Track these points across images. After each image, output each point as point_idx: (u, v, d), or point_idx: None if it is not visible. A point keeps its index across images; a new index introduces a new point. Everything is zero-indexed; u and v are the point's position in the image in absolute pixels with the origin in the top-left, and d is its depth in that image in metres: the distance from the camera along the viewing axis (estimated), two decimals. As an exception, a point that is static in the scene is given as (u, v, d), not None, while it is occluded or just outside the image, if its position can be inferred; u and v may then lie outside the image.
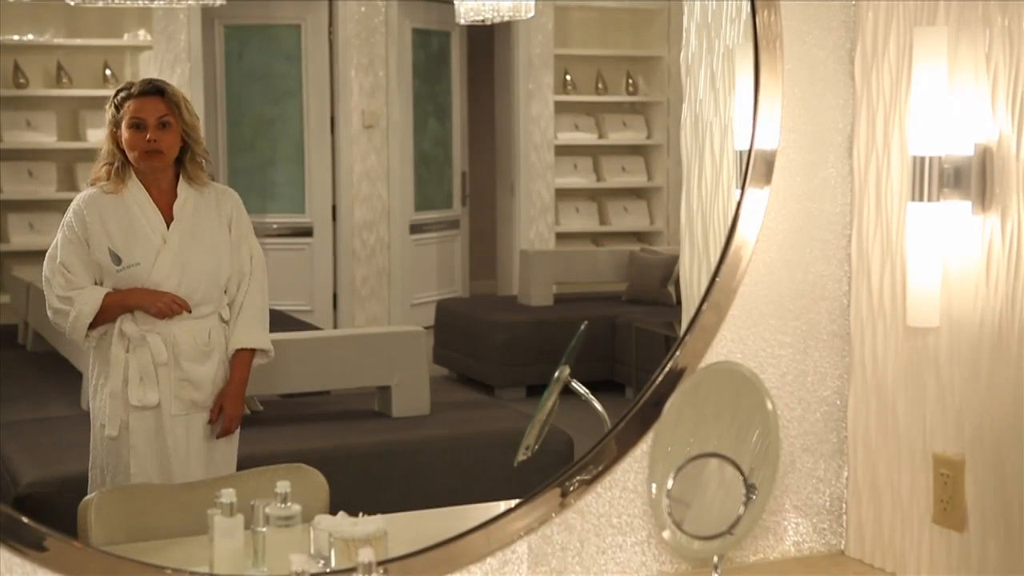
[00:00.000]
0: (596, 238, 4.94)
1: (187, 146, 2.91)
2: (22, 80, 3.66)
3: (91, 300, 2.81)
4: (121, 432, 2.79)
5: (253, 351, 2.89)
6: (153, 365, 2.81)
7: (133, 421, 2.79)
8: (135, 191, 2.87)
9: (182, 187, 2.90)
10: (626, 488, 2.61)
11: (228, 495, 2.27)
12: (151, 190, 2.89)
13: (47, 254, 2.86)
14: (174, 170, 2.90)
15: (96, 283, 2.83)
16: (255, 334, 2.91)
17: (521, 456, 2.70)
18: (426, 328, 4.06)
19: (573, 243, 4.92)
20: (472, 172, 4.79)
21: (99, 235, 2.84)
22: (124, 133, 2.85)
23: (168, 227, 2.87)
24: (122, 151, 2.86)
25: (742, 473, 2.45)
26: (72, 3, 3.59)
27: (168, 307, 2.83)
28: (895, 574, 2.64)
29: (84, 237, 2.83)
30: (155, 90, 2.89)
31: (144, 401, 2.79)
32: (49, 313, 2.81)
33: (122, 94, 2.88)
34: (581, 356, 2.71)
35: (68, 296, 2.82)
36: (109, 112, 2.88)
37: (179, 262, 2.86)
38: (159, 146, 2.86)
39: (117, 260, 2.84)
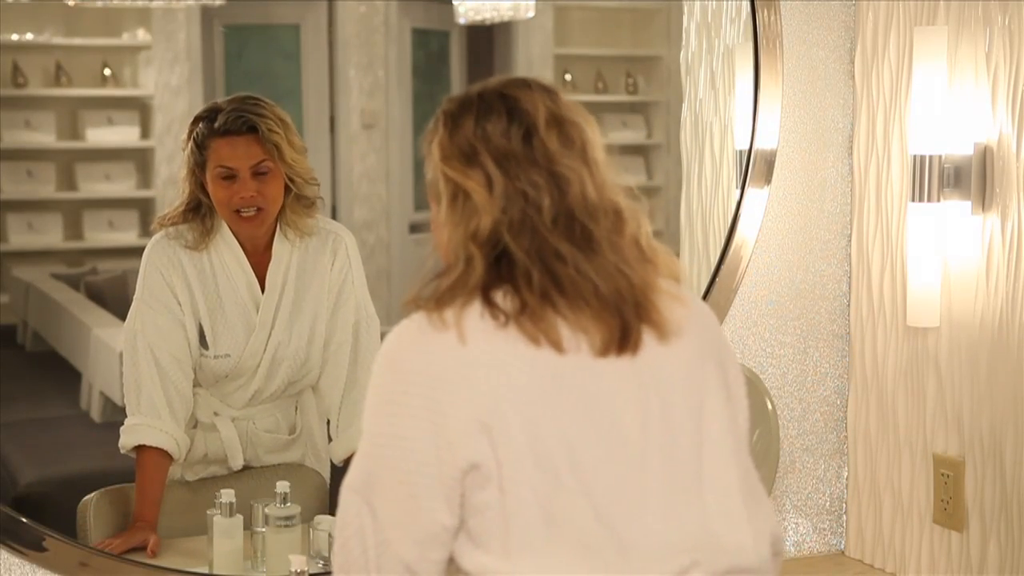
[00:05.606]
0: (596, 238, 4.94)
1: (289, 189, 2.22)
2: (21, 80, 3.66)
3: (129, 441, 2.26)
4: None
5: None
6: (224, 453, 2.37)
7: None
8: (224, 250, 2.21)
9: (279, 243, 2.24)
10: (626, 488, 2.60)
11: (228, 495, 2.26)
12: (246, 246, 2.23)
13: (124, 326, 2.27)
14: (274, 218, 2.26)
15: (195, 383, 2.26)
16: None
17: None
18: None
19: (572, 243, 4.92)
20: (472, 172, 4.78)
21: (190, 307, 2.22)
22: (209, 183, 2.19)
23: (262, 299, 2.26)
24: (208, 195, 2.20)
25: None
26: (71, 3, 3.59)
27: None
28: (895, 574, 2.64)
29: (179, 312, 2.21)
30: (245, 126, 2.18)
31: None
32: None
33: (202, 127, 2.19)
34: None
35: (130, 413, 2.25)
36: (187, 148, 2.20)
37: (272, 344, 2.28)
38: (258, 202, 2.19)
39: (204, 343, 2.24)
